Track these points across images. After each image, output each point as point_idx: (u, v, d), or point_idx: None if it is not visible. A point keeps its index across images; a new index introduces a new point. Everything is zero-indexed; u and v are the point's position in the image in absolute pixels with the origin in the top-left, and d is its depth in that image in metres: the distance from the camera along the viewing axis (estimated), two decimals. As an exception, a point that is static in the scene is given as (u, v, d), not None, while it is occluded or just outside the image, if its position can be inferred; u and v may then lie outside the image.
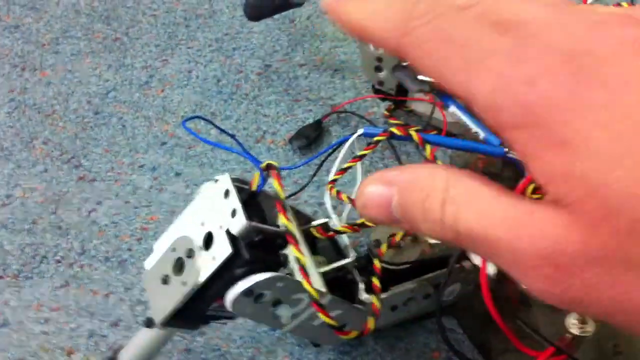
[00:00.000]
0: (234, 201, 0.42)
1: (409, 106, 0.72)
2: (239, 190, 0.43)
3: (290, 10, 0.84)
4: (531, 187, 0.50)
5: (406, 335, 0.56)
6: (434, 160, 0.53)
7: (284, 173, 0.67)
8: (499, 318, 0.47)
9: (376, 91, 0.69)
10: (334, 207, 0.59)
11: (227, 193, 0.43)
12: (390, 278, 0.51)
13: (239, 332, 0.56)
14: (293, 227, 0.42)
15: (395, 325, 0.56)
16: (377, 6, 0.28)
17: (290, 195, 0.61)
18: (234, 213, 0.41)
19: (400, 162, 0.67)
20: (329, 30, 0.82)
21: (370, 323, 0.46)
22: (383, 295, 0.50)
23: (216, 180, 0.44)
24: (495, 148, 0.55)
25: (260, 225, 0.41)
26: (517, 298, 0.48)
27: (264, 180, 0.44)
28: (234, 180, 0.44)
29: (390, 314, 0.52)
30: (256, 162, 0.44)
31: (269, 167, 0.44)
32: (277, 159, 0.68)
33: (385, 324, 0.54)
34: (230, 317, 0.46)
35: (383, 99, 0.71)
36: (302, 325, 0.46)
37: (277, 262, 0.42)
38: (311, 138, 0.69)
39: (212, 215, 0.43)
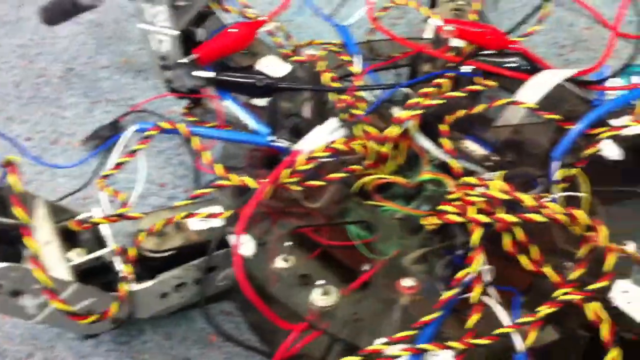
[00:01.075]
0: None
1: (205, 104, 0.74)
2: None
3: (99, 14, 0.85)
4: (286, 172, 0.53)
5: (185, 322, 0.58)
6: (201, 151, 0.56)
7: (76, 172, 0.67)
8: (254, 297, 0.49)
9: (172, 90, 0.71)
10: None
11: (-41, 189, 0.43)
12: (157, 266, 0.53)
13: (18, 330, 0.57)
14: (28, 219, 0.43)
15: (175, 312, 0.58)
16: None
17: (72, 193, 0.62)
18: (-37, 207, 0.42)
19: (193, 157, 0.69)
20: (136, 33, 0.83)
21: (113, 308, 0.47)
22: (148, 283, 0.52)
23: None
24: (260, 138, 0.59)
25: (-10, 217, 0.42)
26: (274, 276, 0.51)
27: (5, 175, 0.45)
28: (-27, 176, 0.45)
29: (162, 301, 0.54)
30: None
31: (9, 163, 0.45)
32: (71, 159, 0.69)
33: (161, 311, 0.56)
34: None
35: (181, 97, 0.73)
36: (54, 315, 0.47)
37: (15, 253, 0.44)
38: (105, 138, 0.70)
39: (-54, 211, 0.43)
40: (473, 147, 0.61)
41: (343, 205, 0.57)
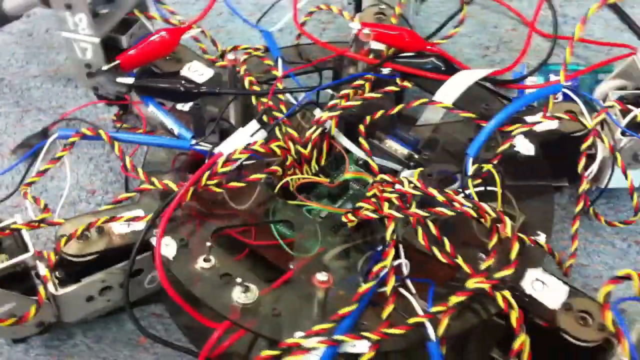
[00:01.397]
0: None
1: (134, 110, 0.75)
2: None
3: (30, 24, 0.85)
4: (207, 174, 0.55)
5: (115, 324, 0.59)
6: (121, 155, 0.57)
7: (6, 181, 0.68)
8: (176, 297, 0.51)
9: (100, 97, 0.72)
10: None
11: None
12: (81, 270, 0.53)
13: (-55, 338, 0.57)
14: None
15: (105, 315, 0.58)
16: None
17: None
18: None
19: (123, 161, 0.69)
20: (67, 41, 0.84)
21: (31, 311, 0.48)
22: (71, 287, 0.53)
23: None
24: (183, 142, 0.60)
25: None
26: (197, 277, 0.52)
27: None
28: None
29: (88, 304, 0.55)
30: None
31: None
32: (2, 169, 0.69)
33: (88, 315, 0.56)
34: None
35: (109, 104, 0.74)
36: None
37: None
38: (34, 146, 0.71)
39: None
40: (395, 146, 0.63)
41: (269, 206, 0.58)
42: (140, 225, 0.54)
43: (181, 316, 0.59)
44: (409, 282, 0.52)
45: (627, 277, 0.39)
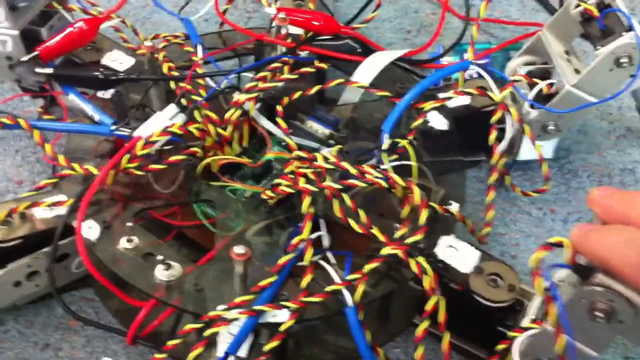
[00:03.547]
0: None
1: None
2: None
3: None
4: (126, 157, 0.56)
5: (45, 309, 0.59)
6: (41, 142, 0.57)
7: None
8: (100, 278, 0.52)
9: (24, 89, 0.72)
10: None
11: None
12: (6, 255, 0.54)
13: None
14: None
15: (35, 301, 0.59)
16: (617, 244, 0.36)
17: None
18: None
19: (43, 148, 0.69)
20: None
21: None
22: (-2, 273, 0.54)
23: None
24: (103, 128, 0.61)
25: None
26: (120, 257, 0.53)
27: None
28: None
29: (16, 290, 0.55)
30: None
31: None
32: None
33: (17, 300, 0.57)
34: None
35: (36, 97, 0.74)
36: None
37: None
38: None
39: None
40: (317, 127, 0.65)
41: (194, 188, 0.60)
42: (62, 210, 0.55)
43: (111, 299, 0.60)
44: (329, 254, 0.55)
45: (558, 245, 0.40)
